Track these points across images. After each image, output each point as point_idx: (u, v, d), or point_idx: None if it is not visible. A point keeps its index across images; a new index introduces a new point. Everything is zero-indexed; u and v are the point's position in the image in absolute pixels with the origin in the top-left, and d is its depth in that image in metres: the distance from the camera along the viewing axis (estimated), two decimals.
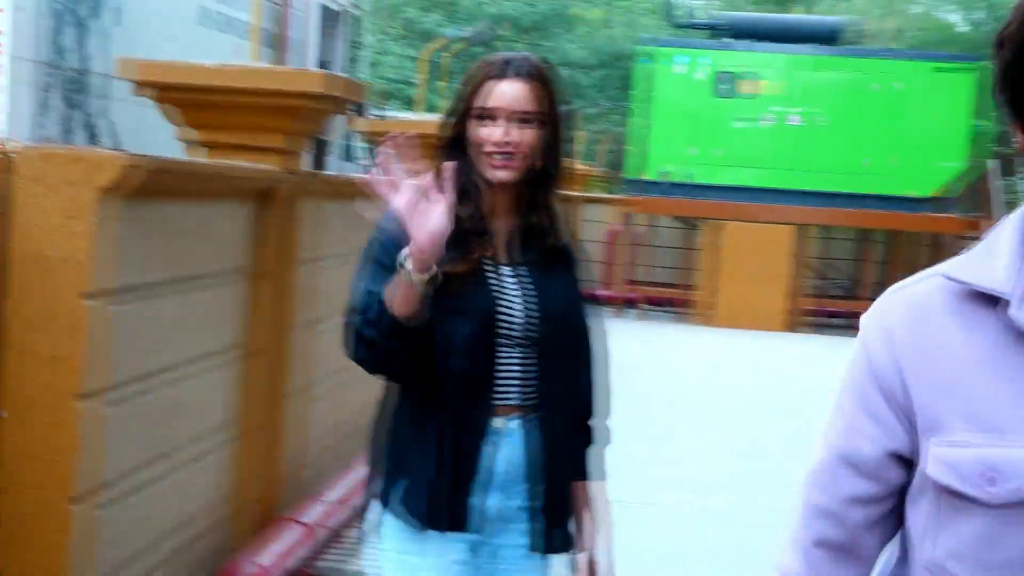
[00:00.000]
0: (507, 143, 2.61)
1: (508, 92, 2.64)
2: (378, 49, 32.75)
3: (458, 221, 2.52)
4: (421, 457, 2.70)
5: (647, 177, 18.58)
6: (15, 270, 3.70)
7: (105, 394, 3.99)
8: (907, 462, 1.62)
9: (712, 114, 18.41)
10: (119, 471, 4.16)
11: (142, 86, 5.09)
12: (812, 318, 18.89)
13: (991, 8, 32.23)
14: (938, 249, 19.48)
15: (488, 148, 2.63)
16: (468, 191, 2.63)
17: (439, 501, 2.68)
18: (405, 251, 2.43)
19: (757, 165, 18.36)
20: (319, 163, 13.04)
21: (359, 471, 6.58)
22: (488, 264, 2.70)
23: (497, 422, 2.71)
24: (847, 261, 20.12)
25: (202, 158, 5.12)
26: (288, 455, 5.87)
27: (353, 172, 15.67)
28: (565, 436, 2.79)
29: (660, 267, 19.90)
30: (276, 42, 11.73)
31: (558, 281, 2.81)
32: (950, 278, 1.53)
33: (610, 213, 20.04)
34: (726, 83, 18.59)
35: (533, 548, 2.77)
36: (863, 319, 1.69)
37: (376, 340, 2.50)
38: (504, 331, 2.68)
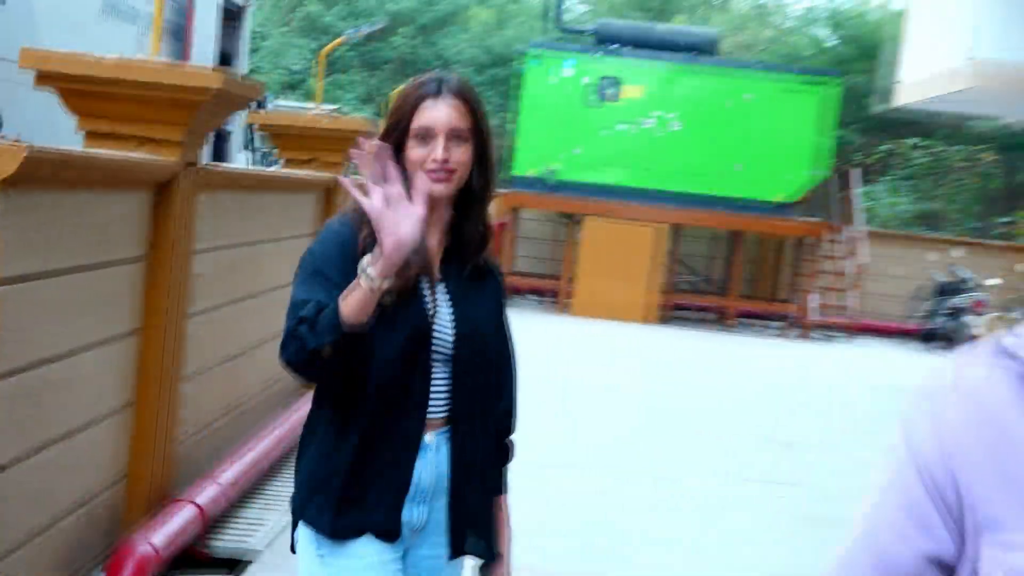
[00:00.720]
0: (446, 160, 2.59)
1: (443, 111, 2.61)
2: (280, 41, 32.52)
3: None
4: (351, 469, 2.66)
5: (533, 173, 18.68)
6: None
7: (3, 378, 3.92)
8: (947, 569, 1.41)
9: (591, 115, 18.58)
10: (10, 453, 4.09)
11: (44, 77, 5.00)
12: (674, 312, 19.21)
13: (860, 26, 32.86)
14: (796, 251, 19.83)
15: (429, 165, 2.60)
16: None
17: (369, 513, 2.66)
18: (368, 257, 2.40)
19: (634, 166, 18.60)
20: (220, 153, 12.94)
21: (252, 453, 6.60)
22: (421, 280, 2.67)
23: (427, 436, 2.69)
24: (714, 259, 20.36)
25: (102, 150, 5.01)
26: (182, 437, 5.82)
27: (252, 161, 15.58)
28: (482, 451, 2.78)
29: (539, 259, 20.03)
30: (181, 34, 11.56)
31: (481, 298, 2.80)
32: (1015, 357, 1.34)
33: (496, 207, 20.10)
34: (608, 88, 18.74)
35: (452, 557, 2.78)
36: (903, 419, 1.50)
37: (320, 347, 2.42)
38: (435, 347, 2.67)
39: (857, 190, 20.65)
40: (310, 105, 17.59)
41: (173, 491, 5.58)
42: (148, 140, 5.14)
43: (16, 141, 3.74)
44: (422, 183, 2.55)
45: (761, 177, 18.64)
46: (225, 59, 13.58)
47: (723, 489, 8.32)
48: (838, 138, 20.15)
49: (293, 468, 2.85)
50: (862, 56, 30.16)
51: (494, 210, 19.59)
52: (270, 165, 11.92)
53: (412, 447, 2.66)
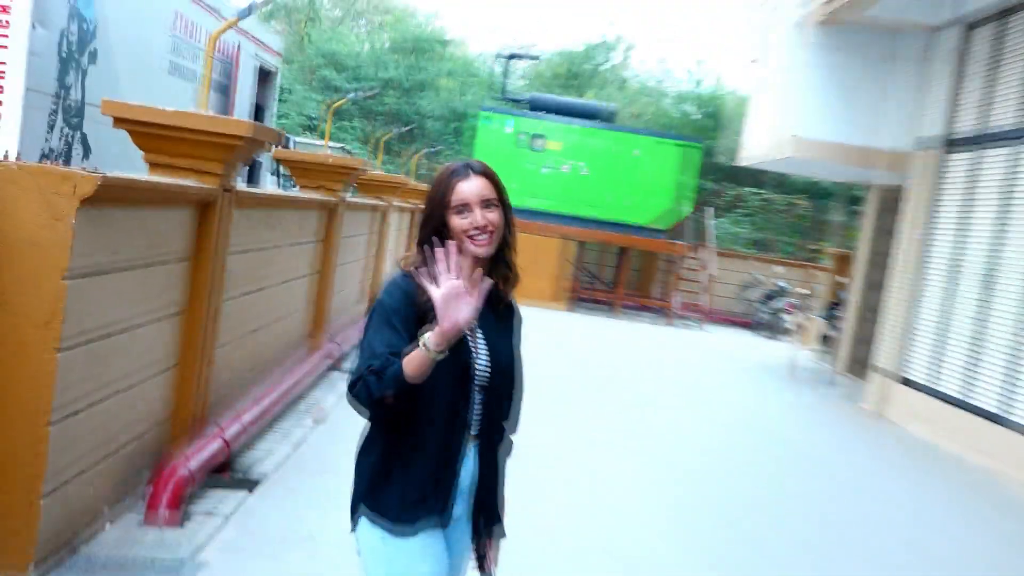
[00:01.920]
0: (484, 225, 2.47)
1: (475, 187, 2.49)
2: (302, 96, 32.21)
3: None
4: (412, 474, 2.52)
5: None
6: (14, 255, 3.60)
7: (80, 345, 3.86)
8: None
9: (524, 160, 18.90)
10: (84, 400, 4.01)
11: (120, 121, 4.87)
12: (578, 302, 19.35)
13: (717, 105, 33.17)
14: (667, 264, 20.02)
15: (471, 232, 2.47)
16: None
17: (429, 507, 2.52)
18: (428, 333, 2.28)
19: (552, 197, 18.86)
20: (253, 177, 12.78)
21: (266, 399, 6.50)
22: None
23: (469, 447, 2.58)
24: (608, 266, 20.44)
25: (160, 176, 4.90)
26: (214, 387, 5.72)
27: (278, 185, 15.41)
28: (497, 456, 2.68)
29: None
30: (227, 91, 11.38)
31: (506, 332, 2.69)
32: None
33: None
34: (535, 140, 19.04)
35: (474, 539, 2.68)
36: None
37: (384, 396, 2.31)
38: (476, 380, 2.55)
39: (711, 221, 20.86)
40: (320, 143, 17.44)
41: (206, 428, 5.48)
42: (196, 171, 5.05)
43: (95, 170, 3.66)
44: (473, 248, 2.47)
45: (644, 209, 18.95)
46: (259, 109, 13.39)
47: (604, 433, 8.32)
48: (698, 184, 20.34)
49: (355, 465, 2.63)
50: (718, 126, 30.51)
51: None
52: (290, 188, 11.73)
53: (459, 456, 2.55)
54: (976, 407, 9.40)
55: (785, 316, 18.64)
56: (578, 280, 19.40)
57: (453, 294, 2.26)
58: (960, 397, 9.75)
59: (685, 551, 5.47)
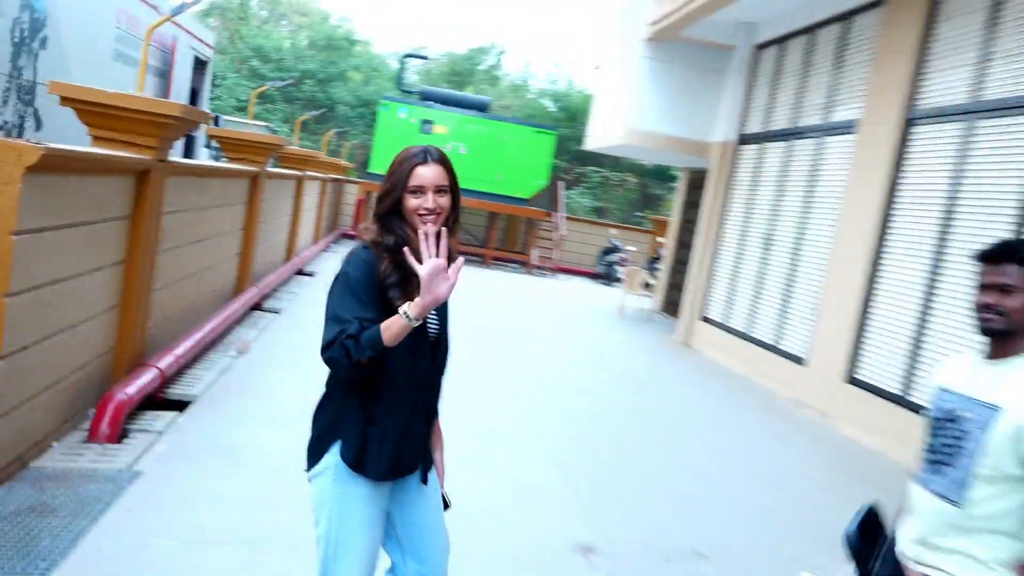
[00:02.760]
0: (434, 208, 2.22)
1: (431, 173, 2.24)
2: (233, 82, 30.71)
3: (404, 265, 2.15)
4: (379, 429, 2.23)
5: (381, 172, 18.36)
6: None
7: (26, 292, 3.56)
8: None
9: (416, 141, 18.32)
10: (31, 337, 3.71)
11: (65, 100, 4.50)
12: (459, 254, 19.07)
13: (569, 100, 33.19)
14: (528, 226, 20.00)
15: (422, 212, 2.22)
16: (407, 242, 2.20)
17: (387, 458, 2.25)
18: (408, 304, 2.06)
19: None
20: (189, 150, 12.09)
21: (196, 335, 6.20)
22: None
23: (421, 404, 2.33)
24: (482, 227, 20.24)
25: (101, 149, 4.56)
26: (150, 325, 5.41)
27: (210, 157, 14.67)
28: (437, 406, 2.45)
29: None
30: (165, 76, 10.68)
31: (445, 304, 2.38)
32: None
33: (357, 190, 19.70)
34: (425, 125, 18.62)
35: (423, 481, 2.40)
36: None
37: (363, 359, 2.07)
38: (431, 338, 2.31)
39: (562, 192, 20.95)
40: (247, 122, 16.69)
41: (143, 359, 5.19)
42: (134, 144, 4.73)
43: (39, 143, 3.36)
44: (425, 226, 2.17)
45: (511, 183, 18.81)
46: (195, 93, 12.65)
47: (477, 360, 8.31)
48: (553, 163, 20.33)
49: (313, 420, 2.35)
50: (569, 118, 30.58)
51: (358, 193, 19.24)
52: (219, 160, 11.14)
53: (420, 411, 2.31)
54: (757, 339, 9.78)
55: (618, 268, 18.98)
56: (458, 239, 19.21)
57: (436, 271, 2.06)
58: (745, 331, 10.12)
59: (539, 456, 5.51)
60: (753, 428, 7.21)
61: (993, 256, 2.06)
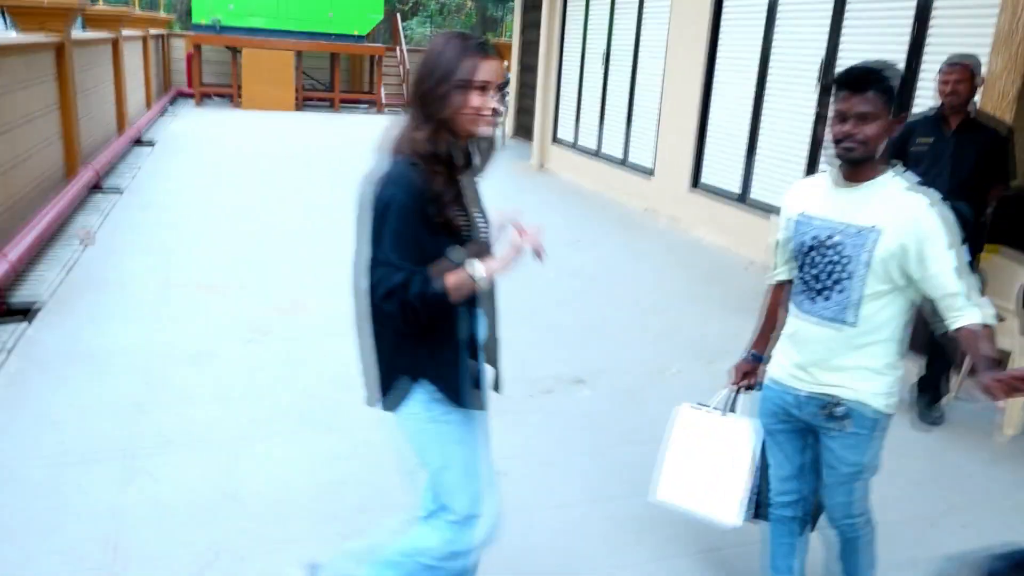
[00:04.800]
0: (497, 107, 1.83)
1: (495, 68, 1.83)
2: None
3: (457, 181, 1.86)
4: (469, 361, 1.96)
5: (204, 22, 16.55)
6: None
7: None
8: None
9: None
10: None
11: None
12: (305, 103, 17.81)
13: None
14: (372, 64, 18.80)
15: (484, 112, 1.82)
16: (454, 152, 1.84)
17: (481, 387, 2.00)
18: (479, 264, 1.76)
19: (269, 15, 16.92)
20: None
21: (32, 233, 5.50)
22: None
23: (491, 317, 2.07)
24: (325, 70, 18.82)
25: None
26: None
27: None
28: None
29: (219, 74, 17.91)
30: None
31: (481, 198, 2.04)
32: None
33: (184, 43, 17.78)
34: None
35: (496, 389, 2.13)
36: None
37: (425, 314, 1.77)
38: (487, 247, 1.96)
39: (401, 24, 19.68)
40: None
41: None
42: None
43: None
44: (481, 129, 1.84)
45: (344, 20, 17.46)
46: None
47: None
48: None
49: (376, 338, 1.93)
50: None
51: (186, 47, 17.48)
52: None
53: (493, 325, 2.06)
54: (607, 156, 9.77)
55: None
56: (301, 85, 17.86)
57: (522, 249, 1.77)
58: (596, 149, 10.07)
59: None
60: (612, 244, 7.30)
61: (855, 83, 1.95)
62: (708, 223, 7.56)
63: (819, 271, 2.08)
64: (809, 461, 2.27)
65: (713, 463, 2.39)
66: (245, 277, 5.56)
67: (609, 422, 3.80)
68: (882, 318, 2.06)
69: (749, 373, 2.39)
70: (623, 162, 9.35)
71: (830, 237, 2.05)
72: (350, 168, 10.85)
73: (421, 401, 1.93)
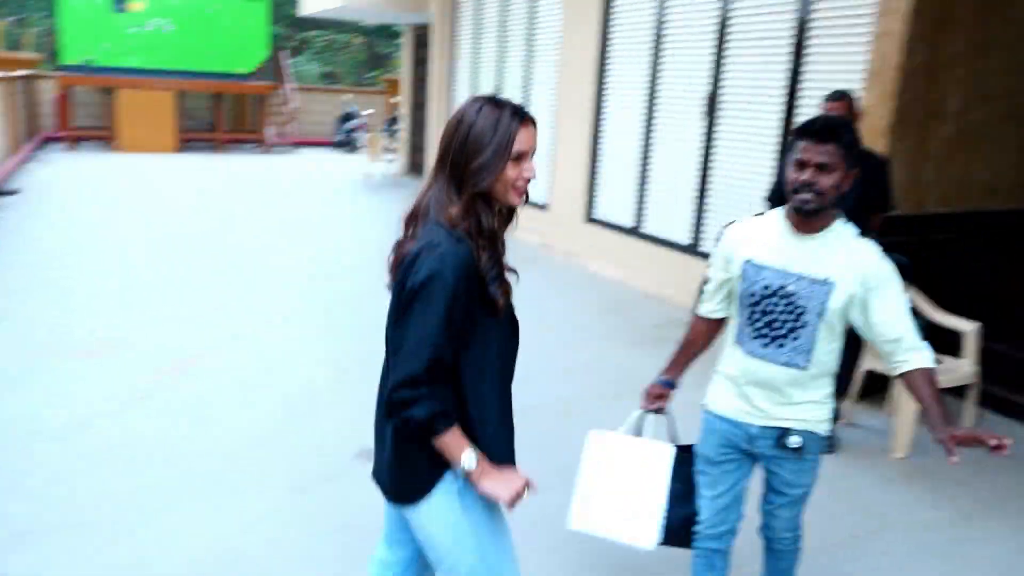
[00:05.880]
0: (532, 176, 1.70)
1: (533, 135, 1.69)
2: None
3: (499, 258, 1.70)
4: (502, 429, 1.78)
5: (76, 62, 15.69)
6: None
7: None
8: None
9: (111, 22, 15.85)
10: None
11: None
12: (187, 144, 17.08)
13: None
14: (257, 102, 18.31)
15: (521, 183, 1.68)
16: (495, 228, 1.70)
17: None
18: (477, 464, 1.64)
19: (143, 54, 16.14)
20: None
21: None
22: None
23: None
24: (208, 109, 18.16)
25: None
26: None
27: None
28: None
29: (92, 117, 17.00)
30: None
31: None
32: None
33: (54, 85, 16.77)
34: (117, 2, 15.87)
35: None
36: None
37: (414, 430, 1.61)
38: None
39: (287, 61, 19.30)
40: None
41: None
42: None
43: None
44: (515, 200, 1.69)
45: (227, 57, 16.90)
46: None
47: (221, 248, 7.55)
48: (273, 32, 18.59)
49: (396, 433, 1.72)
50: None
51: (55, 89, 16.55)
52: None
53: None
54: None
55: (358, 135, 18.12)
56: (182, 127, 17.15)
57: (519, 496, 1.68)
58: None
59: (304, 357, 5.11)
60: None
61: (818, 134, 1.99)
62: (603, 256, 7.61)
63: (773, 319, 2.11)
64: (742, 491, 2.32)
65: (627, 486, 2.39)
66: (124, 335, 5.16)
67: (526, 471, 3.65)
68: (826, 356, 2.15)
69: (660, 397, 2.41)
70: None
71: (783, 287, 2.08)
72: (233, 211, 10.43)
73: (457, 476, 1.70)
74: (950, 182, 5.04)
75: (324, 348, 5.20)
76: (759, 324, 2.13)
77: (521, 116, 1.68)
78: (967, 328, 4.35)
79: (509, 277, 1.71)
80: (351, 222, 10.02)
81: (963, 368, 4.29)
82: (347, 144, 18.61)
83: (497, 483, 1.66)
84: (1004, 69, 5.02)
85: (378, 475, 1.82)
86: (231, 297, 6.24)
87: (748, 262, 2.13)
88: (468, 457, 1.63)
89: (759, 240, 2.15)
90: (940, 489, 3.73)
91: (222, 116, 17.45)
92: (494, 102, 1.68)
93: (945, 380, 4.03)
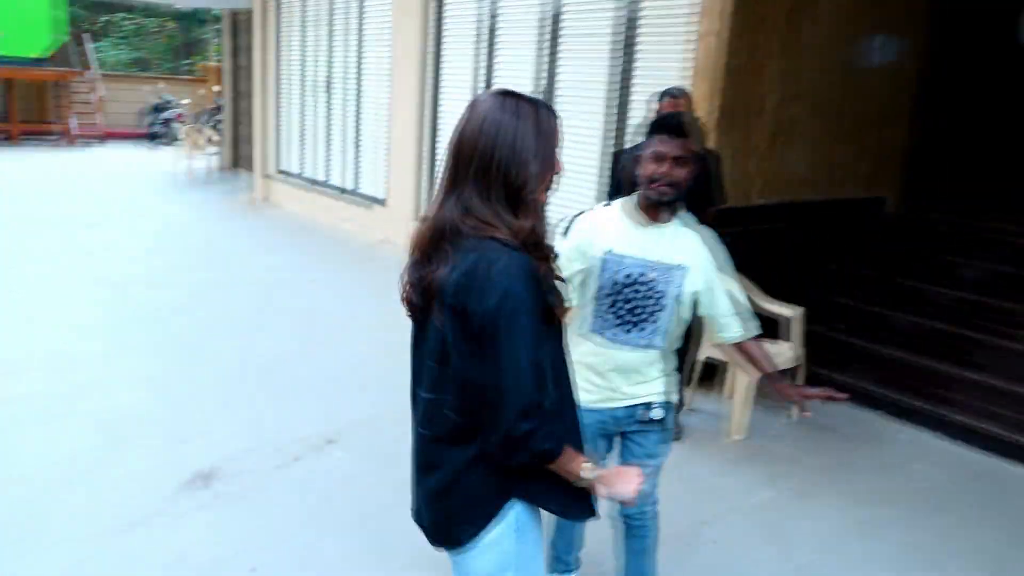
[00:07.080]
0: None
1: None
2: None
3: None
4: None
5: None
6: None
7: None
8: None
9: None
10: None
11: None
12: None
13: None
14: (58, 90, 16.62)
15: (551, 179, 1.54)
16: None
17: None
18: (597, 475, 1.52)
19: None
20: None
21: None
22: None
23: None
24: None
25: None
26: None
27: None
28: None
29: None
30: None
31: None
32: None
33: None
34: None
35: None
36: None
37: (526, 457, 1.45)
38: None
39: (90, 46, 17.67)
40: None
41: None
42: None
43: None
44: (545, 195, 1.57)
45: (19, 42, 15.21)
46: None
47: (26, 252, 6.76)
48: (70, 12, 16.95)
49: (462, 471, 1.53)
50: None
51: None
52: None
53: None
54: (335, 185, 9.42)
55: (175, 126, 16.91)
56: None
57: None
58: (324, 180, 9.68)
59: (123, 378, 4.65)
60: (350, 280, 6.98)
61: (676, 129, 2.14)
62: None
63: (635, 305, 2.22)
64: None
65: None
66: None
67: (372, 484, 3.50)
68: (674, 335, 2.32)
69: None
70: (354, 192, 9.06)
71: (643, 275, 2.20)
72: (34, 211, 9.44)
73: (512, 519, 1.56)
74: (772, 175, 5.34)
75: (142, 365, 4.76)
76: (621, 311, 2.23)
77: (551, 110, 1.55)
78: (792, 313, 4.63)
79: (560, 285, 1.58)
80: (168, 219, 9.30)
81: (788, 351, 4.56)
82: (161, 136, 17.31)
83: (617, 483, 1.56)
84: (813, 68, 5.38)
85: (421, 516, 1.65)
86: (34, 310, 5.58)
87: (609, 252, 2.21)
88: (588, 468, 1.53)
89: (612, 231, 2.24)
90: (775, 468, 3.95)
91: (15, 105, 15.71)
92: (523, 99, 1.51)
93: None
